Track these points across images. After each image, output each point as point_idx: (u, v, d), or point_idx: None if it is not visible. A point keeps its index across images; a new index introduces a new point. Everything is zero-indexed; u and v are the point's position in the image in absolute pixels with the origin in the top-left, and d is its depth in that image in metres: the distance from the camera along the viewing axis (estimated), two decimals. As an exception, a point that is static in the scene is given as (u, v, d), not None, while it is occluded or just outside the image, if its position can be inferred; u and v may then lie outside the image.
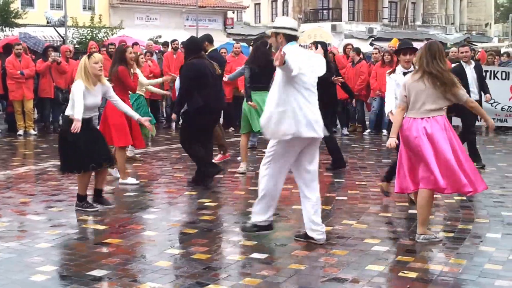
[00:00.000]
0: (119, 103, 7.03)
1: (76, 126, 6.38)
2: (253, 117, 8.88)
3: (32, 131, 13.36)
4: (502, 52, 19.31)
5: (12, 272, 4.80)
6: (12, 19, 28.87)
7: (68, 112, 6.65)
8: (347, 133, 13.63)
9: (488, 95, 9.64)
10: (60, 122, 14.27)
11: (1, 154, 10.80)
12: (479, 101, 9.18)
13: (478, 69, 9.48)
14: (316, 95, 5.61)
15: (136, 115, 7.14)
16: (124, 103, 7.15)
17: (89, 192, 6.88)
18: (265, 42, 9.04)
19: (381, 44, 20.68)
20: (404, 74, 6.56)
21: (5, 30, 28.54)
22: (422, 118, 5.60)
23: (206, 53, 8.89)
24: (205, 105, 7.86)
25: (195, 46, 8.23)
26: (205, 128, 8.08)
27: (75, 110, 6.46)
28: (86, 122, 6.62)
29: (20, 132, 13.32)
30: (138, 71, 9.41)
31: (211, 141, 8.51)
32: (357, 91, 13.58)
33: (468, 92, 8.84)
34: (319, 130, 5.53)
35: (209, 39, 9.74)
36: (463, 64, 9.28)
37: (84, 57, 6.74)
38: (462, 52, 9.48)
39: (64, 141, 6.67)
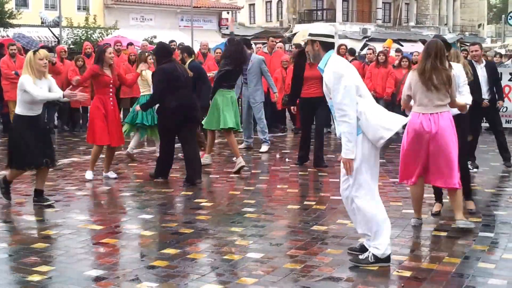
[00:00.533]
0: (58, 94, 7.06)
1: (69, 94, 6.89)
2: (223, 114, 9.20)
3: None
4: (493, 53, 19.26)
5: (8, 273, 4.84)
6: (7, 20, 28.83)
7: (17, 110, 6.87)
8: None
9: (500, 102, 9.59)
10: (56, 122, 14.34)
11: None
12: (492, 101, 9.16)
13: (489, 68, 9.26)
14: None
15: (58, 94, 7.09)
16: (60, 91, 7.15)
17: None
18: (236, 41, 9.74)
19: (375, 45, 20.69)
20: None
21: (-1, 31, 28.51)
22: (431, 114, 5.88)
23: (185, 65, 9.26)
24: (180, 105, 8.12)
25: (164, 52, 8.59)
26: (182, 126, 8.24)
27: (38, 92, 6.70)
28: (35, 120, 6.87)
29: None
30: (148, 71, 9.89)
31: (195, 140, 8.64)
32: None
33: (480, 91, 8.86)
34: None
35: (188, 51, 9.97)
36: (474, 63, 8.96)
37: (30, 53, 6.93)
38: (472, 51, 9.16)
39: (11, 139, 7.00)
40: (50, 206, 6.94)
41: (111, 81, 8.33)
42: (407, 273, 4.82)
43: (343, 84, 4.89)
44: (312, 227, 6.15)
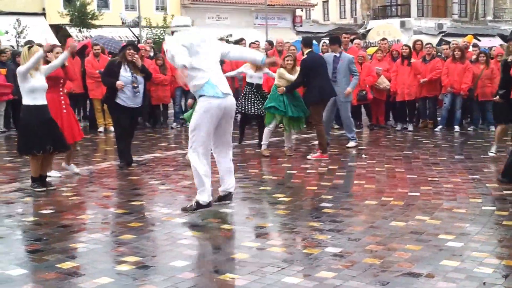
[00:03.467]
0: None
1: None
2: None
3: (112, 128, 13.80)
4: None
5: (98, 262, 5.06)
6: (89, 21, 29.80)
7: (23, 101, 7.70)
8: (411, 129, 13.54)
9: None
10: (139, 119, 14.75)
11: (84, 150, 11.27)
12: None
13: None
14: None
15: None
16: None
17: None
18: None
19: (451, 40, 20.30)
20: None
21: (82, 31, 29.49)
22: None
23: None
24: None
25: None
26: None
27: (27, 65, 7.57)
28: (40, 109, 7.65)
29: (101, 129, 13.86)
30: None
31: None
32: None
33: None
34: None
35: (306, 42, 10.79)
36: None
37: (25, 48, 7.86)
38: None
39: (19, 127, 7.95)
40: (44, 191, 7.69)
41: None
42: (489, 270, 4.78)
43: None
44: (391, 223, 6.17)
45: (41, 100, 7.69)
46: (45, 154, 7.76)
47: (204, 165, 6.55)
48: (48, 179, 8.13)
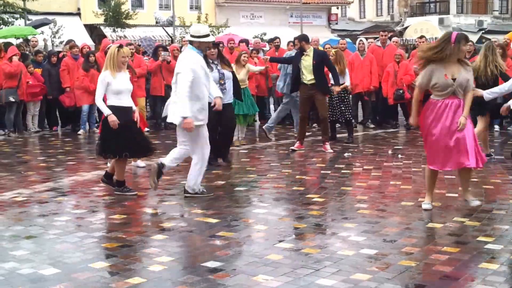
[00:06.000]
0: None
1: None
2: None
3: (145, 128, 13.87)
4: None
5: (130, 261, 5.05)
6: (123, 20, 30.05)
7: (108, 102, 7.42)
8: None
9: None
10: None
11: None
12: None
13: None
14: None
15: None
16: None
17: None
18: None
19: (491, 37, 19.92)
20: None
21: (117, 31, 29.75)
22: None
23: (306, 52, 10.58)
24: None
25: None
26: None
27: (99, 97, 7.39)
28: (123, 110, 7.36)
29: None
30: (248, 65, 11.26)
31: None
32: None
33: None
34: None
35: (305, 39, 10.93)
36: None
37: (114, 47, 7.43)
38: None
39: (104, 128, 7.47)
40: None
41: None
42: (530, 274, 4.64)
43: None
44: (427, 225, 6.04)
45: (125, 101, 7.45)
46: (121, 158, 7.52)
47: None
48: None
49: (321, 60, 10.58)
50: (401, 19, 45.68)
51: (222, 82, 9.21)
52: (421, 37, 15.34)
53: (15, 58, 13.18)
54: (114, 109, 7.32)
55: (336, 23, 41.98)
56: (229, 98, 9.40)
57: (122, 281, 4.60)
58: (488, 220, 6.20)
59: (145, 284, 4.56)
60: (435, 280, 4.55)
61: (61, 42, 23.53)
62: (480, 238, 5.54)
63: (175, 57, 14.24)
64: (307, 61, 10.47)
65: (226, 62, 9.56)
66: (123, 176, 7.56)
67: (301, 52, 10.64)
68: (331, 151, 10.41)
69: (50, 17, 25.95)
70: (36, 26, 23.18)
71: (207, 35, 7.26)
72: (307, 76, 10.46)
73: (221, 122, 9.19)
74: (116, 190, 7.54)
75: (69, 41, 15.26)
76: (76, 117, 13.87)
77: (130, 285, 4.52)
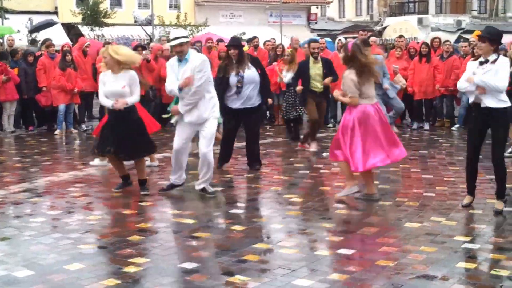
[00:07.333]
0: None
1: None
2: None
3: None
4: None
5: (106, 264, 5.00)
6: (102, 19, 29.83)
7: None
8: (428, 128, 13.38)
9: None
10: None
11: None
12: None
13: None
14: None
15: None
16: None
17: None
18: None
19: (469, 37, 20.06)
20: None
21: (94, 30, 29.53)
22: None
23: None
24: None
25: None
26: None
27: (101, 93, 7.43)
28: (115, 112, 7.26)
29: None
30: None
31: None
32: (453, 86, 13.34)
33: None
34: None
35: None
36: None
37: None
38: None
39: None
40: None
41: None
42: (505, 273, 4.65)
43: None
44: (405, 224, 6.04)
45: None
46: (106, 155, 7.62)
47: None
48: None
49: (330, 67, 10.60)
50: (380, 19, 45.86)
51: (239, 86, 8.64)
52: (400, 36, 15.40)
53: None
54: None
55: (316, 23, 42.00)
56: (250, 103, 8.71)
57: (97, 282, 4.54)
58: (465, 219, 6.22)
59: (120, 286, 4.51)
60: (412, 280, 4.55)
61: (38, 41, 23.28)
62: (457, 238, 5.55)
63: (156, 58, 14.11)
64: (318, 69, 10.49)
65: (253, 62, 8.87)
66: (144, 175, 7.59)
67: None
68: (314, 149, 10.42)
69: (27, 16, 25.70)
70: (40, 27, 23.02)
71: (174, 39, 7.24)
72: (318, 84, 10.46)
73: (244, 128, 9.08)
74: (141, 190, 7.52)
75: (45, 40, 15.09)
76: (52, 117, 13.71)
77: (104, 287, 4.47)
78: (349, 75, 6.88)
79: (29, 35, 25.75)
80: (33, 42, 23.76)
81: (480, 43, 6.40)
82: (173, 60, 7.35)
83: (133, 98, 7.29)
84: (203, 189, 7.36)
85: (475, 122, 6.49)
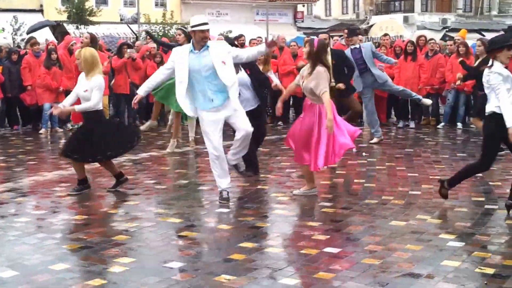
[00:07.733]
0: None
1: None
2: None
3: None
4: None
5: (90, 263, 4.96)
6: (87, 17, 29.69)
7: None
8: (413, 126, 13.44)
9: None
10: (136, 117, 14.63)
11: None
12: None
13: None
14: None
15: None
16: None
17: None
18: None
19: (455, 36, 20.14)
20: None
21: (80, 28, 29.37)
22: None
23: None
24: None
25: None
26: None
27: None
28: (92, 114, 7.34)
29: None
30: None
31: None
32: (438, 84, 13.43)
33: None
34: None
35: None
36: None
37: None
38: None
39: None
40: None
41: None
42: (490, 271, 4.67)
43: None
44: (391, 222, 6.05)
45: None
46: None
47: None
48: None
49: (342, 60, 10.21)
50: (366, 17, 46.00)
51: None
52: (386, 35, 15.44)
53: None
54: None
55: (302, 21, 42.07)
56: (249, 105, 8.10)
57: (82, 283, 4.52)
58: (450, 217, 6.25)
59: (106, 286, 4.48)
60: (398, 278, 4.56)
61: (22, 40, 23.14)
62: (442, 236, 5.57)
63: (143, 57, 14.05)
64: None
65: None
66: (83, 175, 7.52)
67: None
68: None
69: (11, 14, 25.51)
70: (37, 28, 22.87)
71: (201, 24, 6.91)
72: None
73: None
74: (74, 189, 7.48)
75: (30, 39, 14.99)
76: (37, 116, 13.62)
77: (90, 287, 4.44)
78: (324, 72, 6.88)
79: (14, 33, 25.58)
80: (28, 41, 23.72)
81: None
82: (183, 48, 7.05)
83: (86, 104, 7.28)
84: (236, 166, 7.40)
85: None
